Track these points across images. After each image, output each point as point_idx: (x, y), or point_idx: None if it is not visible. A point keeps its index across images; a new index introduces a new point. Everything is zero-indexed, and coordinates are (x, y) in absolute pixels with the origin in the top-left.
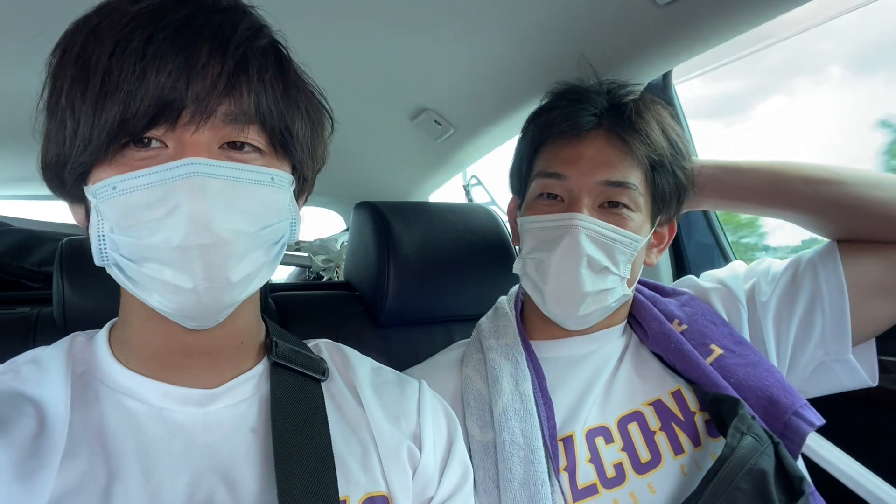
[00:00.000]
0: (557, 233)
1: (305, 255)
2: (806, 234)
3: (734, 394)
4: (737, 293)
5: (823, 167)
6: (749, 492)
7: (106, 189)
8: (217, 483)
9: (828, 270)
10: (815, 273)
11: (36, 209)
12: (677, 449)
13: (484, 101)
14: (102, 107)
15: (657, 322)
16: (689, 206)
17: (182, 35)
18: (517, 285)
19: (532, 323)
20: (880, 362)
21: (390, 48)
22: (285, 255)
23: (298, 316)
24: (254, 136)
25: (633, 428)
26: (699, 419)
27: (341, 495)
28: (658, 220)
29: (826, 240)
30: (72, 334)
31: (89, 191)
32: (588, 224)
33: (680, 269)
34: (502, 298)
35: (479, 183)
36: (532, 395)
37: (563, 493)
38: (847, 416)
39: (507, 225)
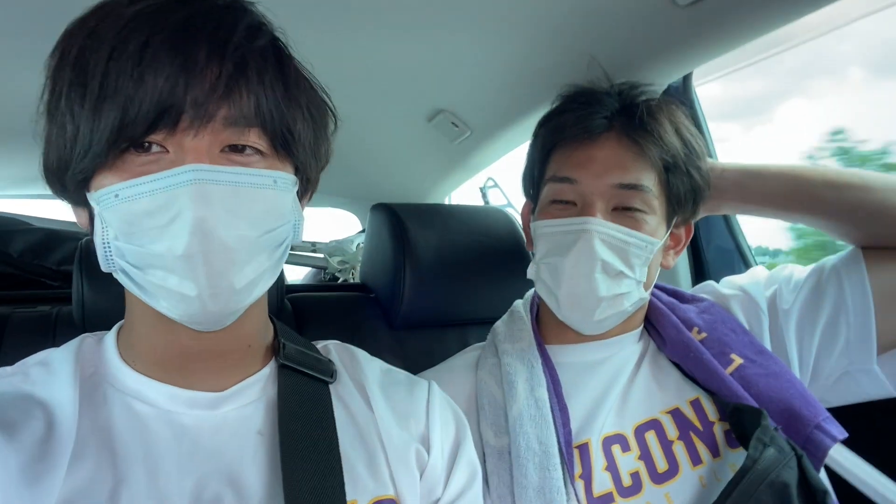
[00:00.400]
0: (570, 237)
1: (321, 256)
2: None
3: (755, 405)
4: (758, 300)
5: (849, 171)
6: None
7: (108, 197)
8: (224, 486)
9: (852, 278)
10: (840, 281)
11: (55, 209)
12: (695, 459)
13: (501, 103)
14: (101, 112)
15: (675, 329)
16: (709, 211)
17: (179, 38)
18: (533, 289)
19: (548, 327)
20: None
21: (407, 50)
22: (301, 256)
23: (314, 317)
24: (255, 138)
25: (651, 436)
26: (718, 429)
27: (349, 499)
28: (674, 221)
29: (850, 246)
30: (81, 336)
31: (92, 198)
32: (601, 228)
33: (699, 274)
34: (518, 302)
35: (496, 185)
36: (547, 400)
37: (578, 500)
38: (870, 426)
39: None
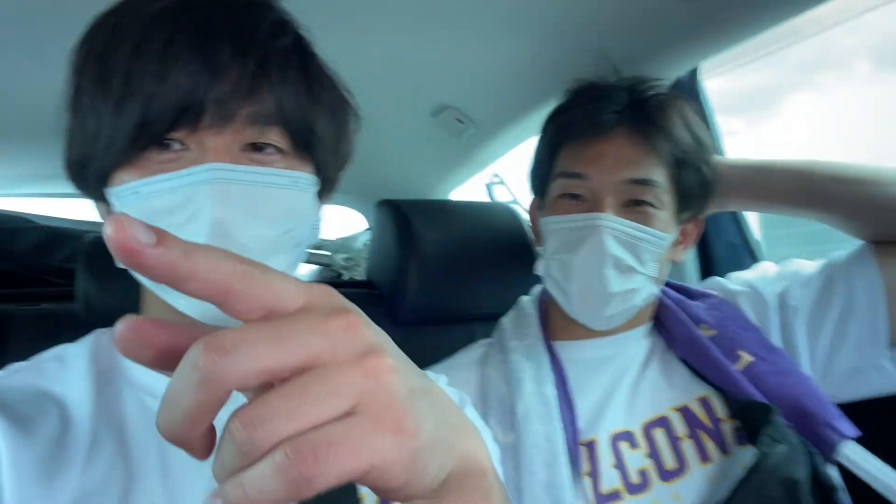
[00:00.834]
0: (581, 233)
1: (327, 253)
2: None
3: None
4: (766, 297)
5: (859, 167)
6: (781, 501)
7: (127, 193)
8: None
9: (863, 275)
10: (850, 277)
11: (59, 207)
12: (704, 457)
13: (505, 99)
14: (124, 109)
15: (684, 326)
16: (717, 207)
17: (202, 36)
18: (540, 286)
19: (554, 324)
20: None
21: (411, 45)
22: (307, 253)
23: None
24: (276, 137)
25: (659, 434)
26: (727, 427)
27: (359, 493)
28: (684, 217)
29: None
30: (96, 331)
31: (111, 193)
32: (612, 224)
33: (707, 269)
34: (524, 298)
35: (502, 181)
36: (554, 397)
37: (586, 498)
38: (881, 422)
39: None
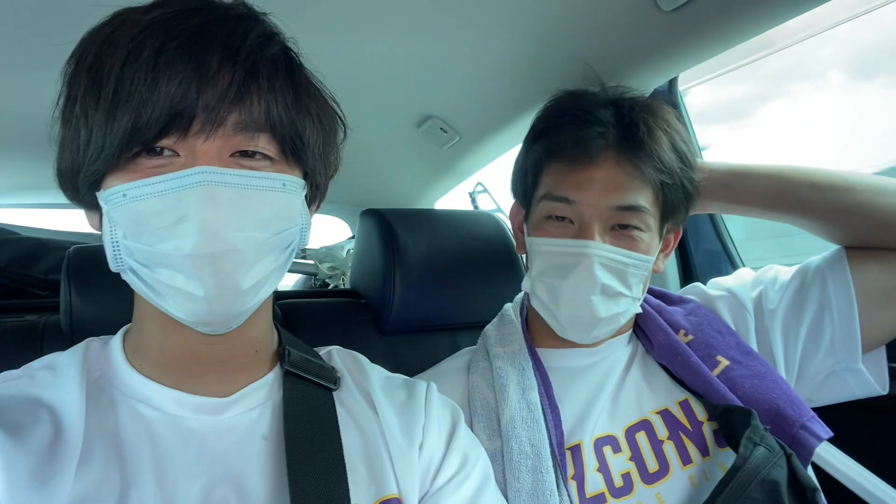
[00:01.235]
0: (570, 260)
1: (311, 262)
2: None
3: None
4: (744, 301)
5: (834, 173)
6: (762, 502)
7: (116, 196)
8: (229, 491)
9: (836, 278)
10: (824, 281)
11: (42, 218)
12: (685, 459)
13: (489, 108)
14: (114, 115)
15: (663, 333)
16: (696, 210)
17: (193, 44)
18: (522, 293)
19: (537, 331)
20: (891, 370)
21: (395, 55)
22: (291, 262)
23: (304, 323)
24: (264, 144)
25: (641, 437)
26: (707, 429)
27: (353, 502)
28: (666, 227)
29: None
30: (87, 340)
31: (101, 197)
32: (601, 251)
33: (687, 276)
34: (508, 306)
35: (485, 190)
36: (539, 403)
37: (571, 501)
38: (856, 425)
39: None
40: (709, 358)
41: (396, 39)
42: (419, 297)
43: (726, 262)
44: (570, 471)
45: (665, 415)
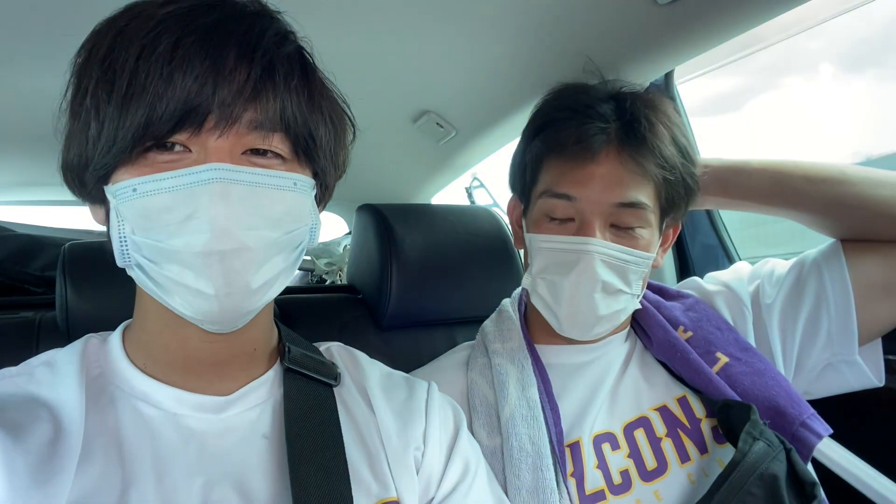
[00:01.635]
0: (571, 257)
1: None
2: None
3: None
4: (741, 296)
5: (828, 166)
6: (761, 497)
7: (126, 190)
8: (230, 490)
9: (832, 271)
10: (820, 274)
11: (38, 215)
12: (683, 457)
13: (486, 103)
14: (128, 109)
15: (662, 329)
16: (692, 205)
17: (210, 40)
18: (520, 288)
19: (536, 327)
20: (887, 362)
21: (391, 50)
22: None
23: (301, 319)
24: (277, 143)
25: (640, 434)
26: (705, 426)
27: (354, 502)
28: (666, 223)
29: (831, 239)
30: (85, 336)
31: (109, 191)
32: (602, 249)
33: (684, 270)
34: (506, 301)
35: (482, 185)
36: (539, 400)
37: (570, 498)
38: (854, 417)
39: (509, 226)
40: (708, 355)
41: (392, 34)
42: (416, 292)
43: (723, 255)
44: (570, 468)
45: (663, 411)
